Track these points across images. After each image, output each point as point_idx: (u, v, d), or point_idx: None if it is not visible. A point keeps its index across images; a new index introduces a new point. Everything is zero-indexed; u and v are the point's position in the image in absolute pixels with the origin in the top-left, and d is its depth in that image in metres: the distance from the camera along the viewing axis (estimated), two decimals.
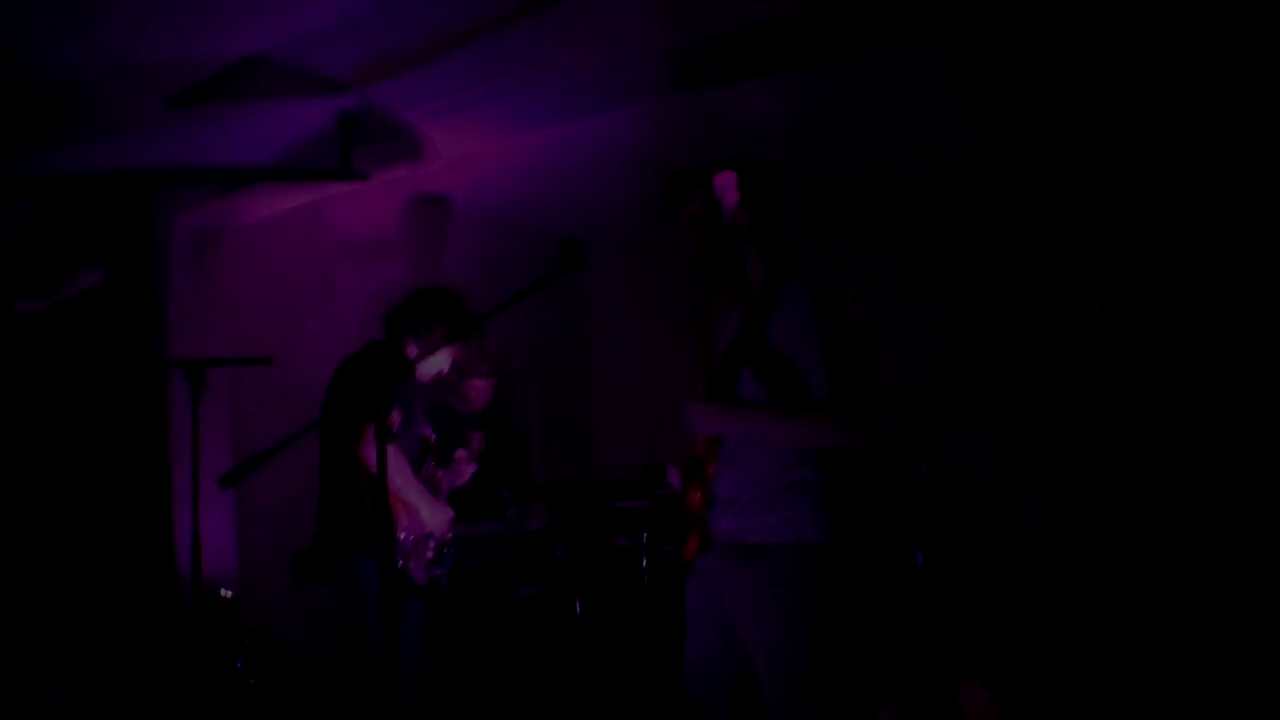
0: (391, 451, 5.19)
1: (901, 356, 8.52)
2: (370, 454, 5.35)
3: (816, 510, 4.37)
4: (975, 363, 8.88)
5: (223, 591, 7.90)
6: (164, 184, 7.53)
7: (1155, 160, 7.79)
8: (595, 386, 14.23)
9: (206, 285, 8.42)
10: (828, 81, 7.57)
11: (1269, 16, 6.09)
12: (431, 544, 5.74)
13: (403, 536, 5.62)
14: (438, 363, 6.07)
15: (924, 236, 9.24)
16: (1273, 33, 6.21)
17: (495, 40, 6.85)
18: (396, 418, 5.33)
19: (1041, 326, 7.85)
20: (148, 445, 7.45)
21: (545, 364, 12.08)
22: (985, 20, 6.48)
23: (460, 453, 6.36)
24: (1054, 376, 6.86)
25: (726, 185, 4.57)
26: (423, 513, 5.67)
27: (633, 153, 10.34)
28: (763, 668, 4.41)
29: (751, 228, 4.58)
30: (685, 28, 6.61)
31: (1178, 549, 4.79)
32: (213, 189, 7.94)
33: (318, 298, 9.43)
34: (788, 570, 4.34)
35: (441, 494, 5.95)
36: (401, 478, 5.50)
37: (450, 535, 5.86)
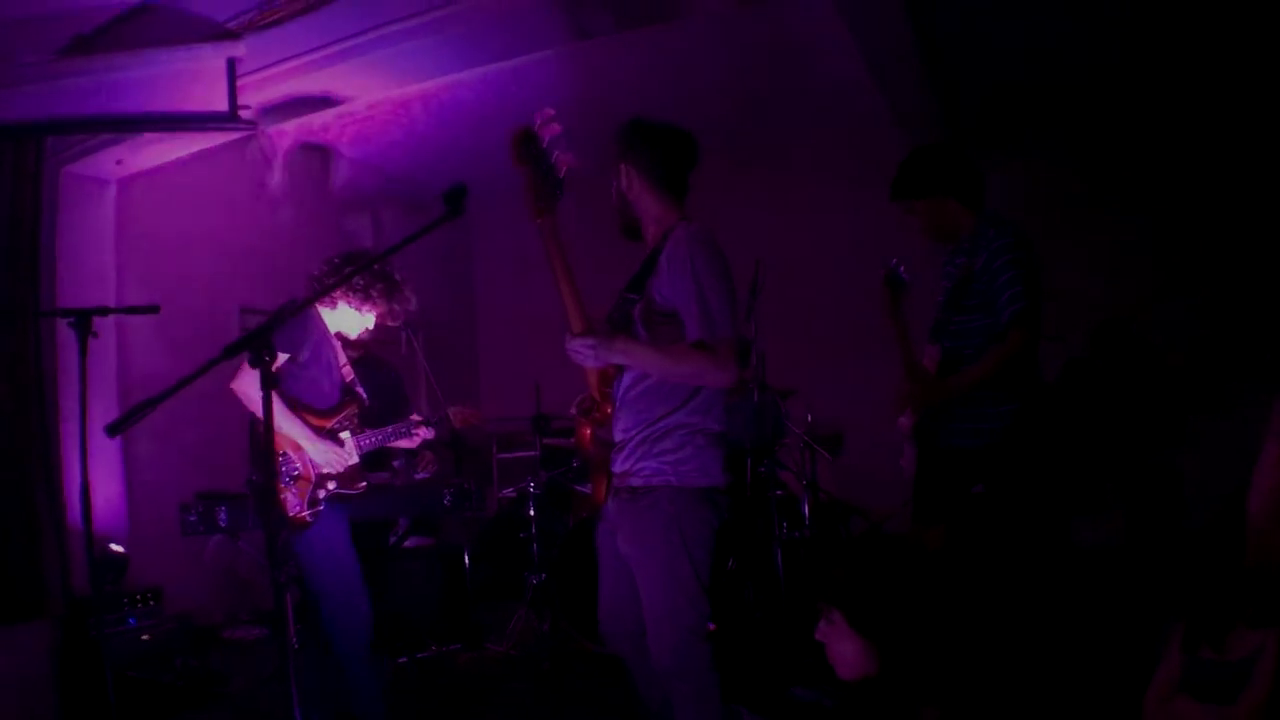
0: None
1: None
2: (239, 387, 5.63)
3: (698, 454, 4.46)
4: None
5: (113, 546, 7.86)
6: (52, 132, 7.43)
7: None
8: (481, 338, 14.31)
9: (94, 235, 8.34)
10: None
11: None
12: (331, 485, 5.75)
13: (296, 468, 5.69)
14: (363, 320, 6.17)
15: None
16: None
17: None
18: (277, 360, 5.39)
19: None
20: (33, 396, 7.37)
21: (431, 316, 12.08)
22: None
23: (416, 416, 6.51)
24: None
25: (618, 146, 4.78)
26: (311, 452, 5.74)
27: (520, 103, 10.39)
28: (646, 610, 4.50)
29: (641, 180, 4.71)
30: None
31: None
32: (101, 139, 7.86)
33: (204, 247, 9.38)
34: (668, 511, 4.42)
35: (356, 447, 5.98)
36: (281, 418, 5.57)
37: (341, 471, 5.85)
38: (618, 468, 4.65)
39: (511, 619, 8.54)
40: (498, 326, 13.95)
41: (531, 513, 8.66)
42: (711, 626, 4.52)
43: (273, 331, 5.45)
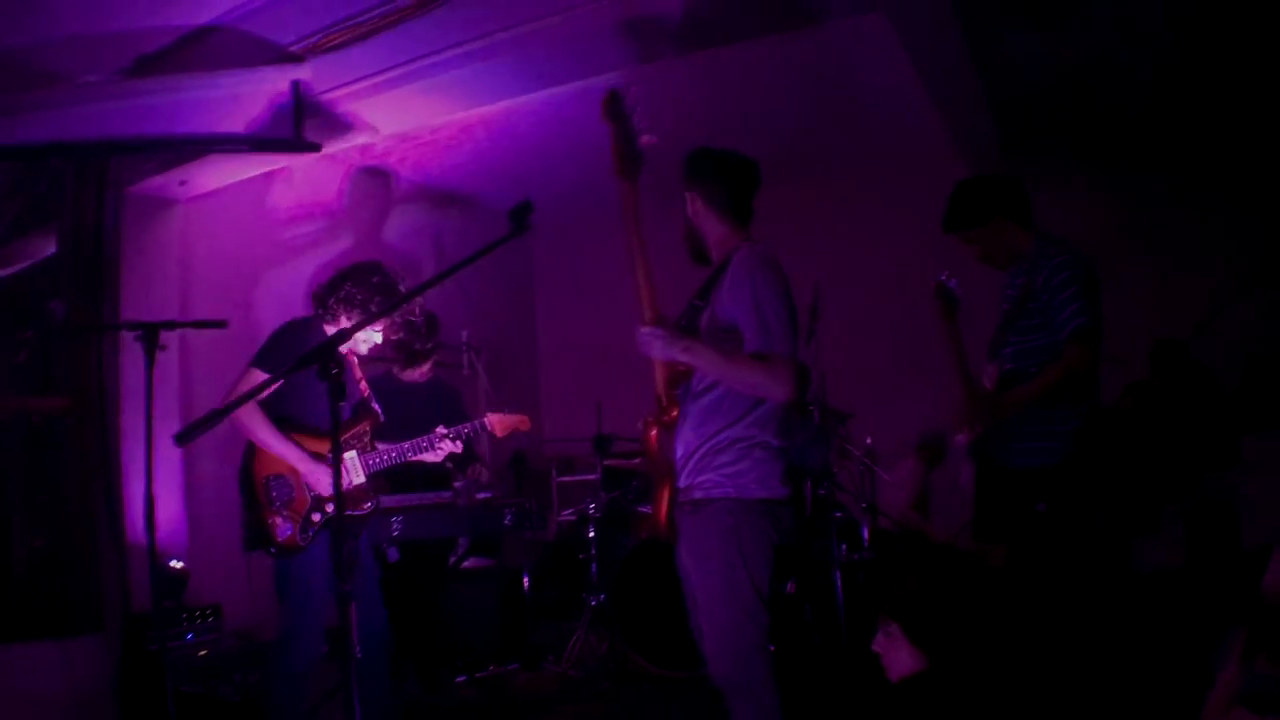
0: (257, 414, 5.56)
1: None
2: (240, 417, 5.57)
3: (755, 466, 4.53)
4: None
5: (173, 563, 7.91)
6: (116, 153, 7.51)
7: None
8: (541, 361, 14.33)
9: (158, 255, 8.41)
10: None
11: None
12: (329, 507, 5.72)
13: (275, 494, 5.67)
14: (369, 336, 6.03)
15: None
16: None
17: (448, 13, 6.90)
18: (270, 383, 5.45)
19: None
20: (94, 411, 7.44)
21: (492, 338, 12.13)
22: None
23: (440, 429, 6.29)
24: None
25: (684, 175, 5.00)
26: (305, 474, 5.70)
27: (581, 127, 10.45)
28: (705, 622, 4.57)
29: (706, 207, 4.87)
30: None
31: None
32: (165, 160, 7.92)
33: (267, 268, 9.45)
34: (726, 523, 4.50)
35: (363, 466, 5.95)
36: (272, 439, 5.58)
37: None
38: (681, 483, 4.72)
39: (570, 640, 8.53)
40: (558, 349, 13.98)
41: (591, 534, 8.68)
42: (770, 648, 4.56)
43: (268, 352, 5.59)
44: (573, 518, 9.58)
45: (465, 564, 8.70)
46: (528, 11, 6.84)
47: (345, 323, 5.85)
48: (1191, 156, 10.38)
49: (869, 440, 8.79)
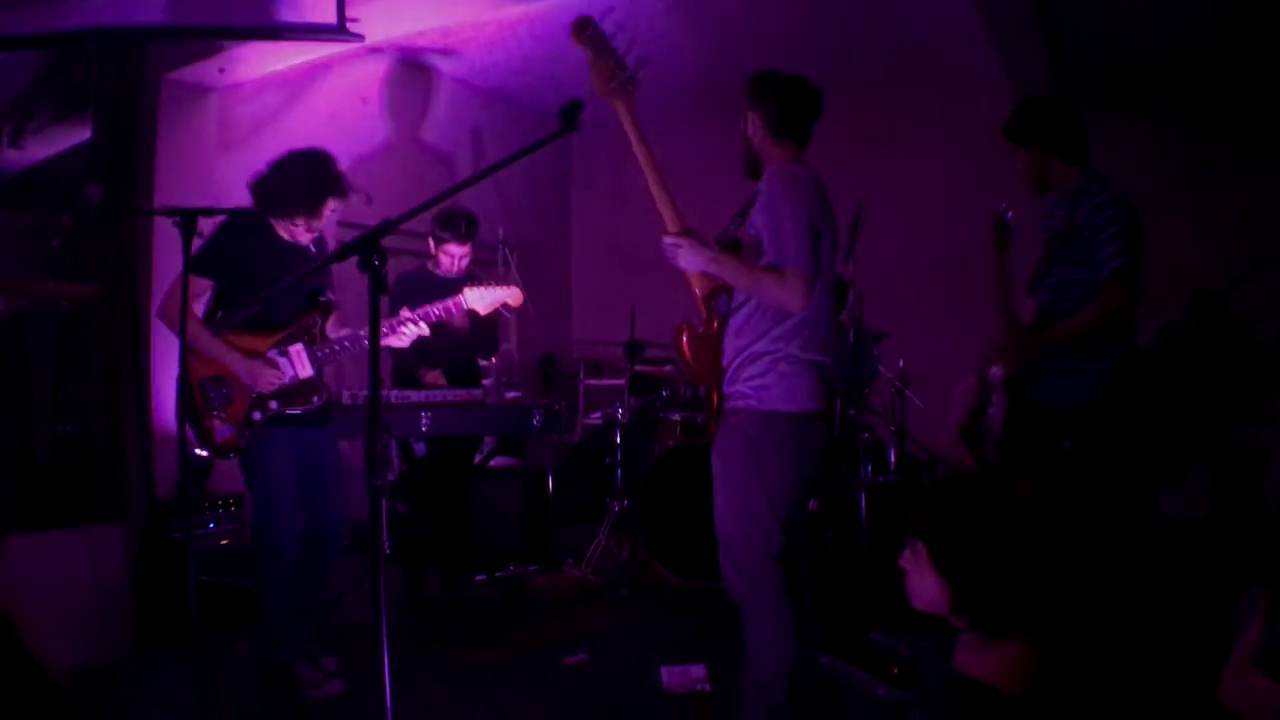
0: (190, 316, 5.35)
1: None
2: (166, 315, 5.63)
3: (781, 380, 4.65)
4: None
5: (197, 450, 7.94)
6: (155, 39, 7.43)
7: None
8: (574, 263, 14.30)
9: (194, 143, 8.37)
10: None
11: None
12: (272, 404, 5.69)
13: (212, 395, 5.62)
14: (297, 226, 5.84)
15: None
16: None
17: None
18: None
19: None
20: (125, 297, 7.42)
21: (528, 236, 12.10)
22: None
23: (405, 311, 6.14)
24: None
25: (746, 96, 5.00)
26: (239, 374, 5.65)
27: (626, 29, 10.35)
28: (718, 527, 4.75)
29: (764, 129, 4.91)
30: None
31: None
32: (204, 47, 7.86)
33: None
34: (747, 433, 4.69)
35: (309, 359, 5.85)
36: (202, 340, 5.54)
37: (274, 389, 5.71)
38: (722, 392, 4.88)
39: (591, 544, 8.58)
40: (592, 251, 13.95)
41: (618, 439, 8.69)
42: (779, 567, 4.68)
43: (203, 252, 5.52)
44: (599, 421, 9.58)
45: (491, 463, 8.72)
46: None
47: (297, 217, 5.79)
48: (1247, 110, 10.25)
49: (901, 363, 8.76)
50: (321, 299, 5.96)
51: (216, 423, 5.61)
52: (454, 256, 7.64)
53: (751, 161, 4.99)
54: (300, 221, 5.80)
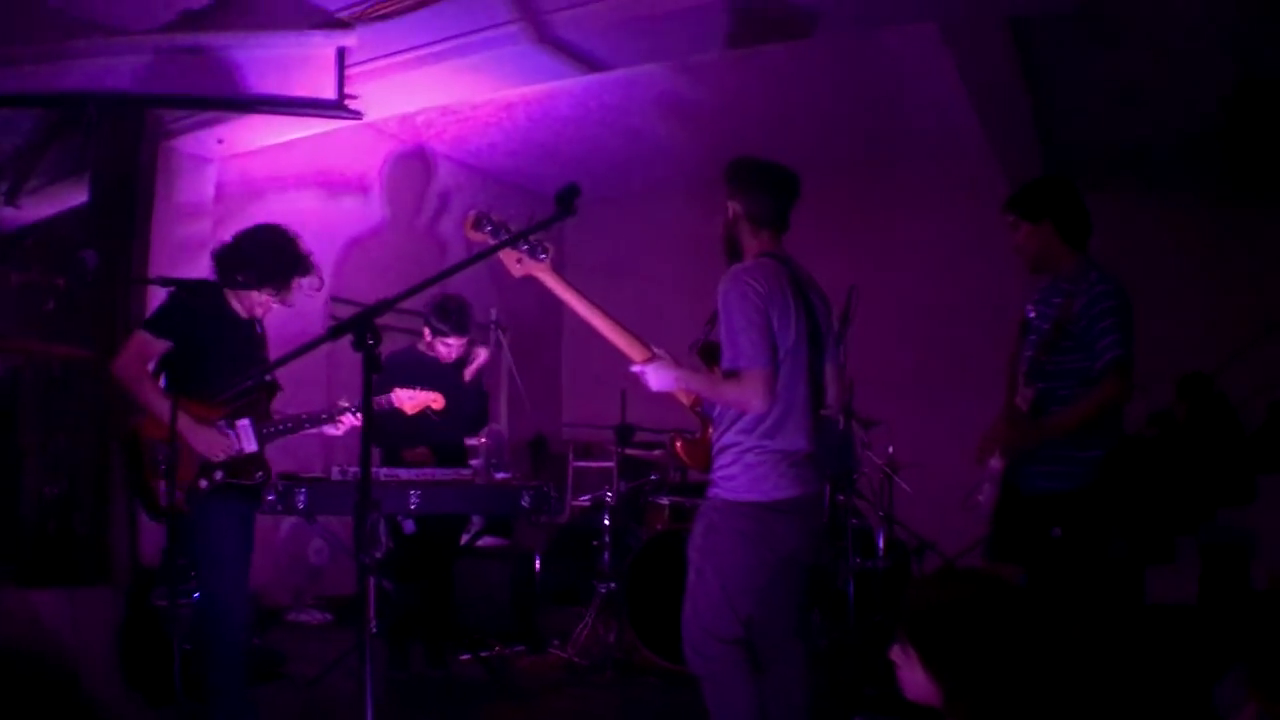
0: (146, 377, 5.44)
1: None
2: (121, 370, 5.47)
3: (746, 470, 4.66)
4: None
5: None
6: (156, 106, 7.50)
7: None
8: (565, 345, 14.32)
9: (191, 212, 8.40)
10: None
11: None
12: (218, 474, 5.57)
13: (158, 458, 5.45)
14: (251, 300, 5.76)
15: None
16: None
17: None
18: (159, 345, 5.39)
19: None
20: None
21: (520, 317, 12.11)
22: None
23: (342, 401, 6.13)
24: None
25: (725, 184, 5.02)
26: (191, 440, 5.48)
27: (619, 112, 10.44)
28: (682, 608, 4.79)
29: (743, 216, 4.94)
30: None
31: None
32: (204, 117, 7.91)
33: (300, 234, 9.44)
34: (709, 519, 4.76)
35: (255, 435, 5.73)
36: (156, 402, 5.41)
37: (224, 459, 5.57)
38: None
39: (577, 626, 8.51)
40: (584, 333, 13.91)
41: (606, 521, 8.67)
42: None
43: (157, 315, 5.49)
44: (588, 504, 9.56)
45: (479, 543, 8.69)
46: (556, 1, 6.83)
47: (258, 294, 5.74)
48: (1236, 192, 10.34)
49: (890, 449, 8.76)
50: (267, 379, 5.94)
51: (162, 485, 5.50)
52: (452, 348, 7.68)
53: (732, 249, 5.02)
54: (269, 295, 5.77)
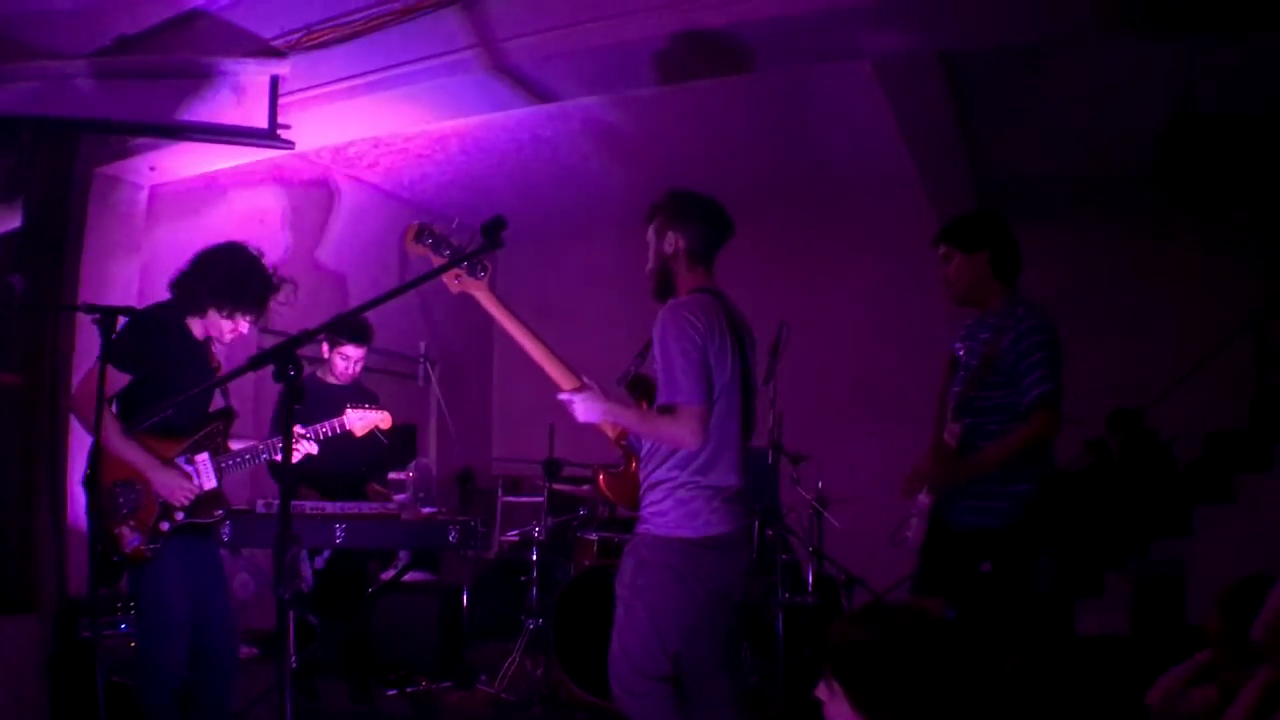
0: (106, 415, 5.20)
1: None
2: (79, 408, 5.41)
3: (677, 506, 4.65)
4: None
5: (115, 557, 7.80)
6: (88, 131, 7.44)
7: None
8: (495, 379, 14.29)
9: (121, 238, 8.32)
10: None
11: None
12: (179, 515, 5.43)
13: (122, 500, 5.36)
14: (216, 324, 5.67)
15: None
16: None
17: (433, 22, 6.87)
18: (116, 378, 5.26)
19: None
20: (45, 390, 7.36)
21: (450, 350, 12.08)
22: None
23: (297, 428, 6.04)
24: None
25: (660, 215, 5.00)
26: (153, 481, 5.38)
27: (555, 146, 10.45)
28: (610, 644, 4.75)
29: (682, 248, 4.92)
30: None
31: None
32: (137, 143, 7.84)
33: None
34: (640, 555, 4.74)
35: (213, 469, 5.57)
36: (119, 443, 5.30)
37: (187, 504, 5.45)
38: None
39: (505, 661, 8.45)
40: (514, 367, 13.91)
41: (534, 556, 8.63)
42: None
43: (122, 347, 5.37)
44: (516, 539, 9.52)
45: (405, 577, 8.63)
46: (510, 29, 6.81)
47: (216, 315, 5.63)
48: (1168, 226, 10.47)
49: (820, 484, 8.77)
50: (227, 406, 5.86)
51: (126, 530, 5.35)
52: (350, 360, 7.62)
53: (664, 281, 5.00)
54: (241, 317, 5.67)
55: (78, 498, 7.57)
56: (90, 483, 5.30)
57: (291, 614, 3.62)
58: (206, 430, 5.66)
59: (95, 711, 4.95)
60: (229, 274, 5.63)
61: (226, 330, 5.70)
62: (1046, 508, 5.08)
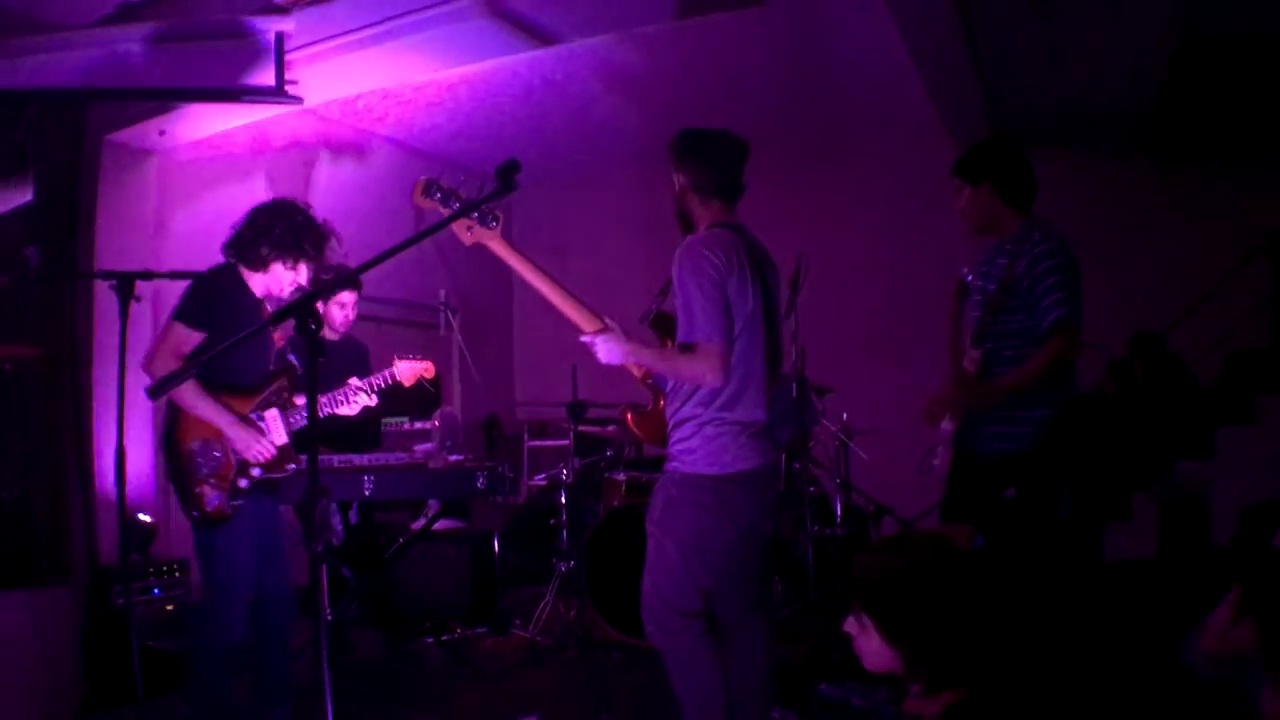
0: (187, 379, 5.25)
1: None
2: (152, 369, 5.31)
3: (705, 443, 4.68)
4: None
5: (141, 516, 7.84)
6: (95, 100, 7.44)
7: None
8: (516, 323, 14.29)
9: (134, 205, 8.33)
10: None
11: None
12: (255, 471, 5.55)
13: (215, 456, 5.45)
14: (278, 279, 5.74)
15: None
16: None
17: None
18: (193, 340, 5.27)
19: None
20: (66, 360, 7.39)
21: (469, 297, 12.08)
22: None
23: (354, 381, 6.29)
24: None
25: (671, 156, 5.01)
26: (232, 439, 5.47)
27: (564, 90, 10.40)
28: (642, 583, 4.82)
29: (691, 188, 4.94)
30: None
31: None
32: (145, 109, 7.84)
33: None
34: (669, 494, 4.78)
35: (285, 426, 5.70)
36: (199, 401, 5.36)
37: (266, 460, 5.55)
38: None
39: (538, 606, 8.51)
40: (534, 311, 13.90)
41: (563, 500, 8.67)
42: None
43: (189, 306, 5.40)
44: (544, 483, 9.54)
45: (435, 526, 8.67)
46: None
47: (281, 268, 5.68)
48: (1182, 149, 10.40)
49: (845, 415, 8.77)
50: (289, 359, 5.90)
51: (207, 489, 5.42)
52: (346, 306, 7.62)
53: (685, 221, 5.02)
54: (304, 266, 5.75)
55: (106, 466, 7.62)
56: (169, 443, 5.41)
57: (325, 567, 3.64)
58: (273, 387, 5.74)
59: (130, 679, 4.98)
60: (290, 226, 5.69)
61: (287, 282, 5.74)
62: (1069, 432, 5.07)
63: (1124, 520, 8.18)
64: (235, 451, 5.48)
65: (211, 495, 5.41)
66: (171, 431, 5.40)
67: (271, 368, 5.82)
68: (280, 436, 5.66)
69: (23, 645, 6.12)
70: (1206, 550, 7.36)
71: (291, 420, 5.74)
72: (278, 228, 5.66)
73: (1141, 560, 7.68)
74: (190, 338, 5.34)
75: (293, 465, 5.72)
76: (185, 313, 5.34)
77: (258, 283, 5.71)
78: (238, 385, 5.59)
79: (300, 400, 5.84)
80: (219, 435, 5.45)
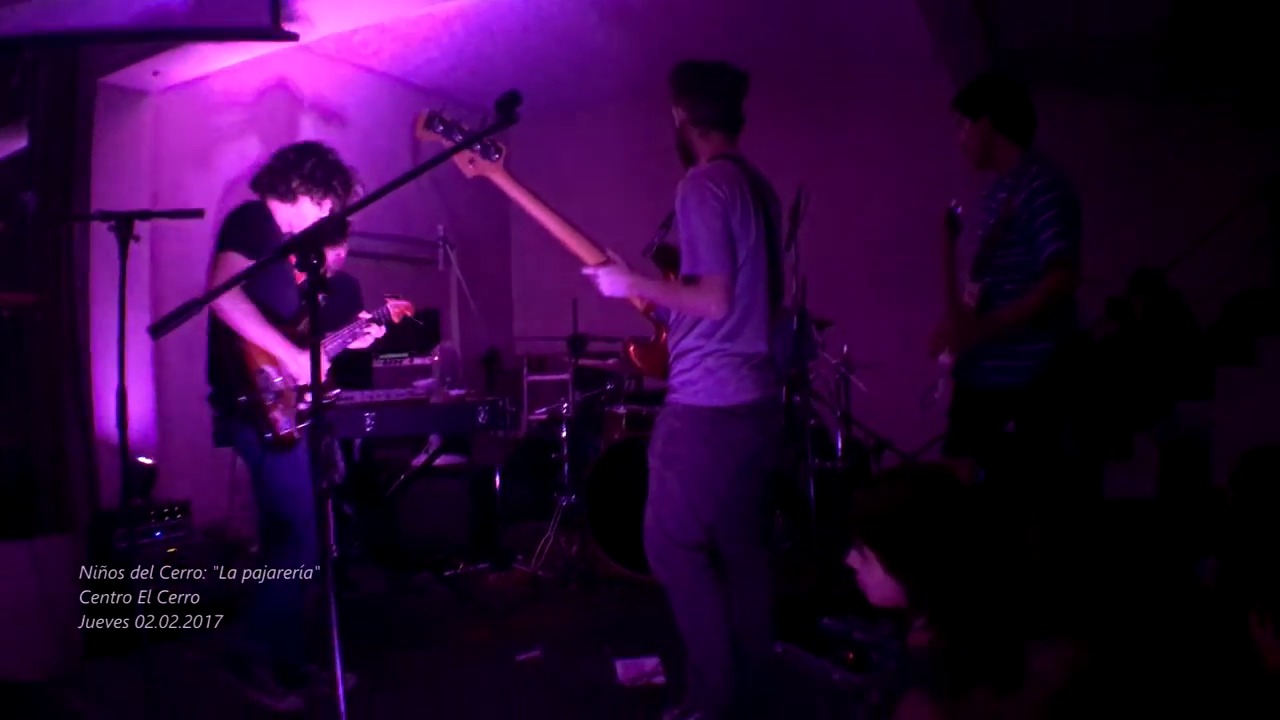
0: (242, 303, 5.33)
1: None
2: (224, 306, 5.33)
3: (706, 375, 4.71)
4: None
5: (141, 459, 7.84)
6: (89, 42, 7.37)
7: None
8: (514, 258, 14.27)
9: (130, 146, 8.30)
10: None
11: None
12: (308, 395, 5.51)
13: (277, 382, 5.46)
14: (320, 214, 5.79)
15: None
16: None
17: None
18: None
19: None
20: (64, 303, 7.36)
21: (467, 232, 12.05)
22: None
23: (364, 315, 6.41)
24: None
25: (670, 89, 4.99)
26: (288, 363, 5.52)
27: (560, 25, 10.34)
28: (644, 516, 4.87)
29: (691, 121, 4.92)
30: None
31: None
32: (138, 50, 7.79)
33: (239, 161, 9.32)
34: (671, 426, 4.81)
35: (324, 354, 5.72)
36: (256, 328, 5.38)
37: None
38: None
39: (540, 540, 8.53)
40: (532, 245, 13.88)
41: (564, 434, 8.68)
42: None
43: (234, 235, 5.43)
44: (544, 417, 9.55)
45: (436, 461, 8.68)
46: None
47: (309, 203, 5.74)
48: (1185, 88, 10.33)
49: (845, 348, 8.77)
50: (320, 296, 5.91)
51: (278, 415, 5.46)
52: (341, 258, 7.70)
53: (686, 153, 5.00)
54: (329, 203, 5.79)
55: (103, 412, 7.61)
56: (238, 372, 5.40)
57: (330, 502, 3.65)
58: (305, 321, 5.70)
59: (132, 619, 4.98)
60: (321, 162, 5.78)
61: (311, 218, 5.75)
62: (1069, 367, 5.08)
63: (1125, 460, 8.20)
64: (292, 377, 5.55)
65: (283, 421, 5.45)
66: (239, 359, 5.41)
67: (300, 302, 5.83)
68: (325, 363, 5.83)
69: (26, 595, 6.13)
70: (1207, 491, 7.37)
71: (328, 347, 6.03)
72: (309, 163, 5.74)
73: (1142, 499, 7.70)
74: (243, 266, 5.31)
75: (336, 391, 5.98)
76: (236, 241, 5.38)
77: (283, 218, 5.75)
78: (278, 317, 5.61)
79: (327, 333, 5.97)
80: (275, 361, 5.50)
